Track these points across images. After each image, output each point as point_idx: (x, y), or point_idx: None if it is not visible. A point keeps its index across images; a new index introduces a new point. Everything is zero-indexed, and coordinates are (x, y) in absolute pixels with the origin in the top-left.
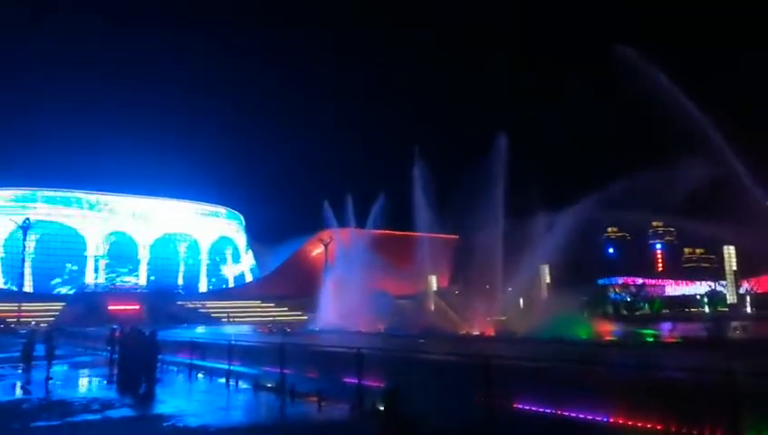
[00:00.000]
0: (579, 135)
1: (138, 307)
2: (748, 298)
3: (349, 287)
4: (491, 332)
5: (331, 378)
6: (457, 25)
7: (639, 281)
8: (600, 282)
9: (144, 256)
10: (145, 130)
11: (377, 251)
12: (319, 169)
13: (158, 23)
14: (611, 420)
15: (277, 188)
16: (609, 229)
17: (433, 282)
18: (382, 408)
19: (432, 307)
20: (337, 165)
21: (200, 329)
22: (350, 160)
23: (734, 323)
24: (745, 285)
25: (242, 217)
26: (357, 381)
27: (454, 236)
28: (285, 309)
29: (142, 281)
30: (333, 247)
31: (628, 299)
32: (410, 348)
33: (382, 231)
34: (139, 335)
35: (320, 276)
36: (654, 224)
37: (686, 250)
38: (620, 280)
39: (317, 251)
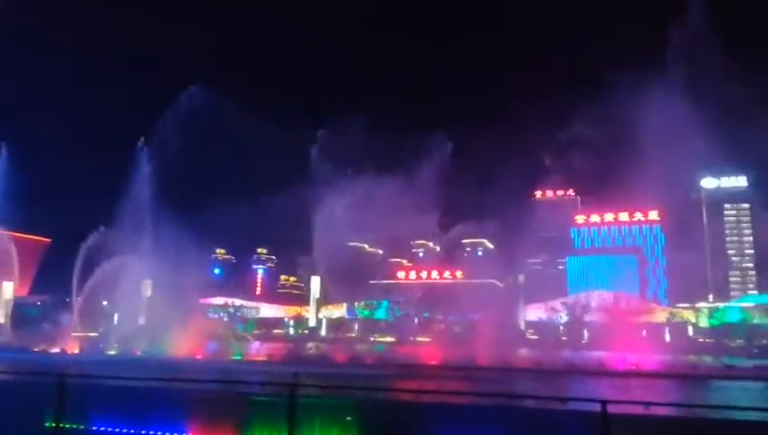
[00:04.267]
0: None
1: None
2: (324, 322)
3: None
4: (75, 349)
5: None
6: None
7: (238, 302)
8: (202, 301)
9: None
10: None
11: None
12: None
13: None
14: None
15: None
16: (218, 251)
17: (7, 289)
18: None
19: (1, 320)
20: None
21: None
22: None
23: (310, 344)
24: (322, 313)
25: None
26: None
27: (44, 239)
28: None
29: None
30: None
31: (226, 319)
32: None
33: None
34: None
35: None
36: (259, 250)
37: (282, 277)
38: (222, 300)
39: None
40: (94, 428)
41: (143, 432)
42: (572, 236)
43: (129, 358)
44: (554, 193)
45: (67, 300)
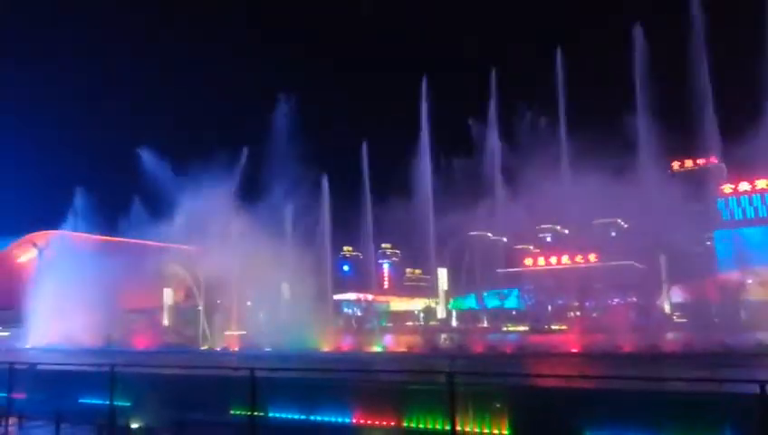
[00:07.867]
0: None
1: None
2: (454, 313)
3: (71, 299)
4: (235, 346)
5: (61, 400)
6: None
7: (369, 297)
8: (336, 297)
9: None
10: None
11: (107, 259)
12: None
13: None
14: (353, 422)
15: None
16: (345, 248)
17: (168, 295)
18: (136, 426)
19: (166, 322)
20: (62, 161)
21: None
22: (78, 157)
23: (444, 335)
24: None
25: None
26: (109, 401)
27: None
28: None
29: None
30: (51, 253)
31: (359, 313)
32: (154, 363)
33: (112, 238)
34: None
35: (30, 286)
36: (383, 245)
37: (408, 270)
38: (353, 295)
39: (27, 256)
40: (271, 414)
41: (312, 419)
42: (719, 208)
43: (282, 353)
44: (694, 162)
45: (218, 302)
